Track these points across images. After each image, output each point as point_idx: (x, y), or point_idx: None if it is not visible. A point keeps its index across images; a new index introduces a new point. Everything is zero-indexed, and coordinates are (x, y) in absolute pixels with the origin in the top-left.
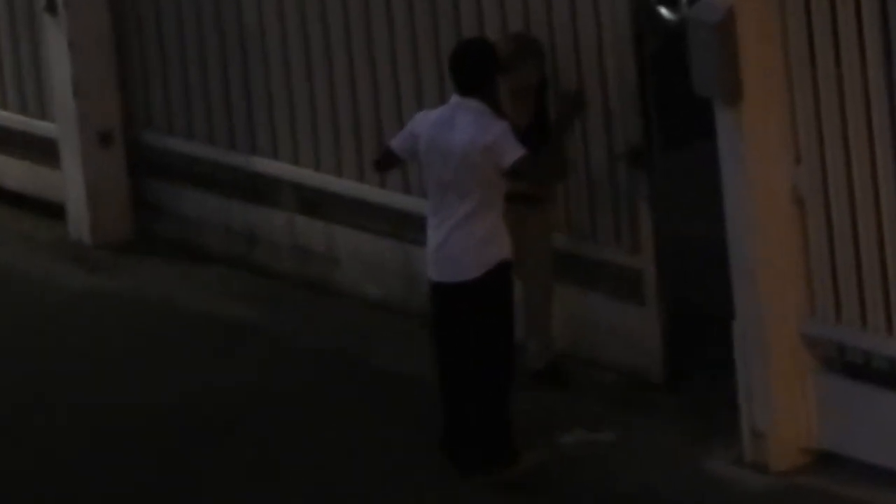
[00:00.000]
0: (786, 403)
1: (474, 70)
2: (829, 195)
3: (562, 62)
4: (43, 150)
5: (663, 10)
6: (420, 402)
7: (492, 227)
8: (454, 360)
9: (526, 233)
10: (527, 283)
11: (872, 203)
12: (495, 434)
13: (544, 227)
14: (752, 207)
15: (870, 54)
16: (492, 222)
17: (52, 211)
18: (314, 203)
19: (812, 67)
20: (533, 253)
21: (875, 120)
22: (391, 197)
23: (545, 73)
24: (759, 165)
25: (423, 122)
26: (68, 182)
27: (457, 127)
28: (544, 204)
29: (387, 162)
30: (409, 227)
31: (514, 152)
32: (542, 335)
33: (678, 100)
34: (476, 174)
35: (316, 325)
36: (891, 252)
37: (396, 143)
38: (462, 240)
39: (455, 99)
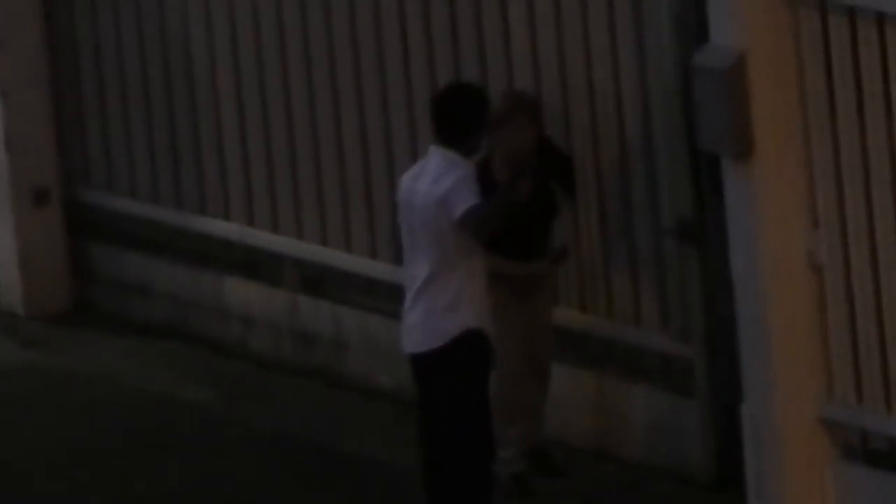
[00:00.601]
0: (801, 496)
1: (451, 117)
2: (850, 262)
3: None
4: None
5: None
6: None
7: (456, 292)
8: (428, 443)
9: (533, 303)
10: (530, 360)
11: None
12: None
13: (551, 301)
14: (764, 275)
15: (895, 105)
16: (456, 287)
17: None
18: (270, 268)
19: (832, 119)
20: (541, 326)
21: None
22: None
23: (545, 136)
24: (773, 228)
25: (405, 176)
26: None
27: (422, 178)
28: (545, 283)
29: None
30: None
31: (465, 202)
32: (538, 423)
33: None
34: (433, 230)
35: (280, 408)
36: None
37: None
38: (424, 305)
39: (431, 147)
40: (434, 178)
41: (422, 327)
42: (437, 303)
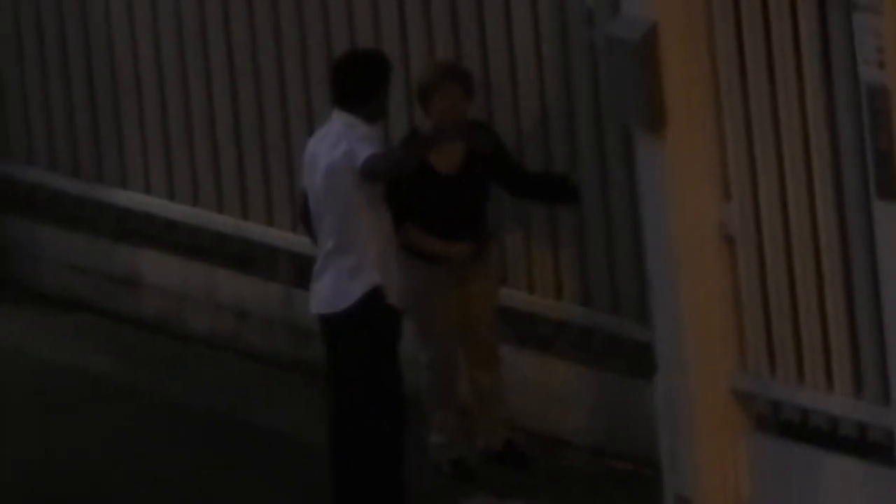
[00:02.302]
0: (714, 466)
1: (348, 82)
2: (763, 234)
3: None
4: None
5: None
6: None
7: (362, 254)
8: (335, 409)
9: (468, 291)
10: (470, 350)
11: (810, 243)
12: (381, 498)
13: (489, 283)
14: (677, 247)
15: (808, 75)
16: (362, 249)
17: None
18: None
19: (743, 90)
20: (482, 310)
21: (814, 150)
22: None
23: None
24: (684, 201)
25: (310, 141)
26: None
27: (323, 141)
28: (487, 257)
29: (305, 206)
30: None
31: (367, 152)
32: (496, 411)
33: None
34: (337, 193)
35: (190, 380)
36: (831, 299)
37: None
38: (332, 269)
39: (333, 112)
40: (334, 142)
41: (329, 289)
42: (345, 265)
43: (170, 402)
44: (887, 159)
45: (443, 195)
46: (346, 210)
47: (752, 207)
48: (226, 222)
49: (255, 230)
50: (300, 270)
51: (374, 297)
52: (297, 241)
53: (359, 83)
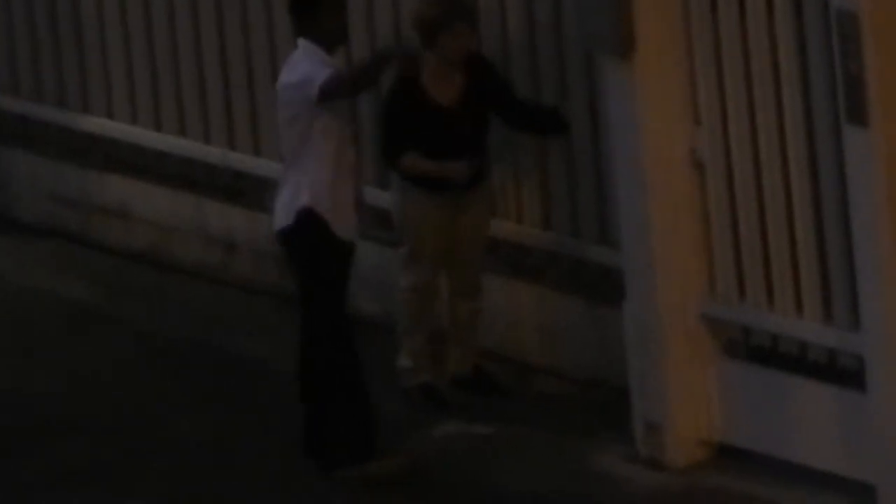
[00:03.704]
0: (683, 393)
1: (298, 8)
2: (732, 160)
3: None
4: None
5: None
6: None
7: (304, 178)
8: (300, 333)
9: (461, 222)
10: (455, 279)
11: (780, 170)
12: (345, 425)
13: (483, 215)
14: (646, 173)
15: (777, 1)
16: (305, 173)
17: None
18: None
19: (713, 16)
20: (469, 245)
21: (783, 76)
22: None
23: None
24: (654, 126)
25: None
26: None
27: (286, 67)
28: (482, 187)
29: None
30: None
31: (321, 76)
32: (470, 339)
33: None
34: (288, 115)
35: (172, 309)
36: (800, 224)
37: None
38: (283, 187)
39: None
40: (291, 66)
41: (279, 207)
42: (291, 185)
43: (149, 329)
44: (857, 84)
45: (442, 127)
46: (296, 131)
47: (721, 133)
48: (213, 153)
49: (243, 160)
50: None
51: (306, 219)
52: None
53: (315, 14)
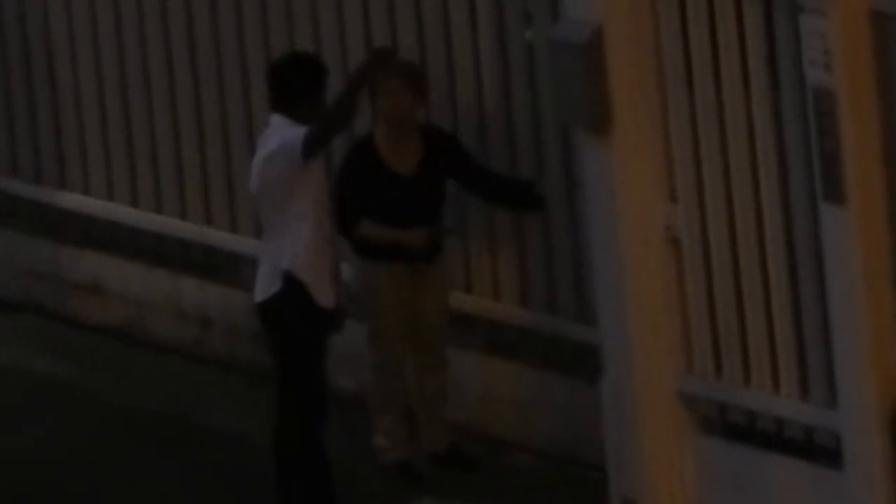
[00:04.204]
0: (660, 469)
1: (283, 86)
2: (709, 236)
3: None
4: None
5: None
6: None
7: (283, 247)
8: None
9: (421, 296)
10: (420, 354)
11: (756, 246)
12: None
13: (442, 288)
14: (622, 249)
15: (754, 77)
16: (286, 237)
17: None
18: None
19: (689, 92)
20: (430, 319)
21: (760, 153)
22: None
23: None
24: (630, 202)
25: None
26: None
27: (261, 143)
28: (439, 260)
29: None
30: None
31: (299, 136)
32: (440, 414)
33: None
34: (268, 182)
35: (147, 385)
36: (776, 301)
37: None
38: (262, 259)
39: (271, 116)
40: (265, 140)
41: (259, 280)
42: (270, 256)
43: (124, 406)
44: (833, 162)
45: (398, 195)
46: (276, 201)
47: (697, 209)
48: (189, 229)
49: (219, 237)
50: None
51: (290, 289)
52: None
53: (293, 87)
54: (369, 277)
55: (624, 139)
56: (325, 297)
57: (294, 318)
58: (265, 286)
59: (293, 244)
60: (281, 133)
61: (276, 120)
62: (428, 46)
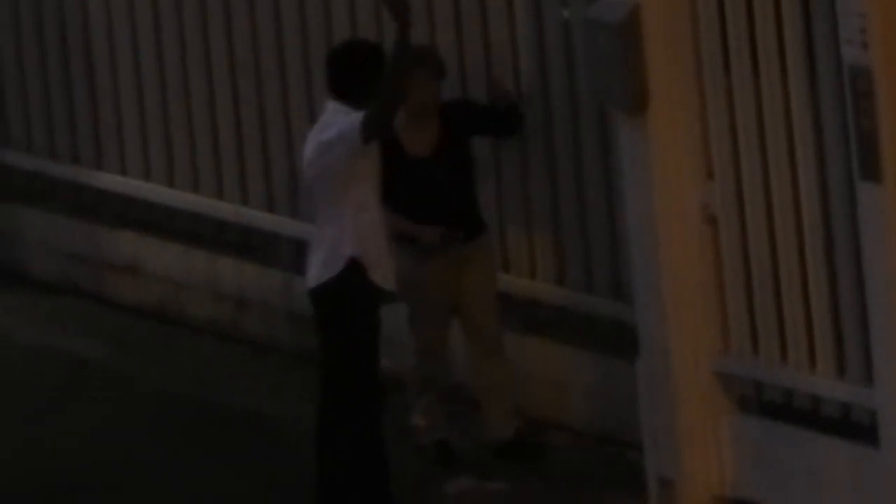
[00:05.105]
0: (697, 448)
1: (344, 74)
2: (745, 215)
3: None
4: None
5: None
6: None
7: (343, 227)
8: (320, 393)
9: (463, 278)
10: (472, 339)
11: (793, 224)
12: (358, 482)
13: (487, 268)
14: (659, 228)
15: (791, 56)
16: (348, 221)
17: None
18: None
19: (726, 73)
20: (476, 301)
21: (796, 131)
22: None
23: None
24: (667, 181)
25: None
26: None
27: (315, 129)
28: (482, 240)
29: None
30: None
31: (356, 123)
32: (503, 401)
33: None
34: (317, 174)
35: (184, 367)
36: (813, 279)
37: None
38: (316, 244)
39: (328, 102)
40: (322, 126)
41: (314, 265)
42: (326, 241)
43: (160, 387)
44: (870, 140)
45: (418, 178)
46: (333, 187)
47: (734, 188)
48: (225, 209)
49: (255, 216)
50: (300, 257)
51: (351, 270)
52: (297, 227)
53: (355, 76)
54: (402, 262)
55: (660, 118)
56: (384, 278)
57: (357, 301)
58: (320, 271)
59: (354, 230)
60: (339, 120)
61: (333, 106)
62: (464, 26)
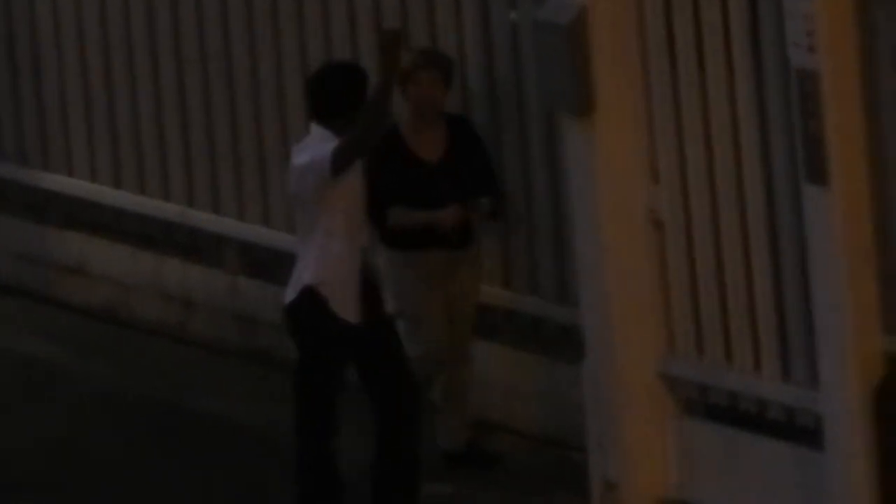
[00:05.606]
0: (642, 451)
1: (326, 96)
2: (691, 218)
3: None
4: None
5: None
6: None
7: (311, 252)
8: None
9: (455, 284)
10: (450, 343)
11: (738, 227)
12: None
13: (476, 277)
14: (605, 231)
15: (737, 58)
16: (313, 247)
17: None
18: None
19: (673, 75)
20: (462, 309)
21: (742, 134)
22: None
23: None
24: (613, 185)
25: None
26: None
27: (297, 152)
28: (472, 247)
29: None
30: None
31: (328, 151)
32: (462, 409)
33: None
34: (299, 196)
35: (125, 366)
36: (759, 283)
37: None
38: (296, 262)
39: (311, 125)
40: (301, 149)
41: (290, 282)
42: (299, 261)
43: (110, 387)
44: (817, 143)
45: (426, 184)
46: (305, 212)
47: (680, 191)
48: (172, 210)
49: (201, 218)
50: (246, 259)
51: (306, 298)
52: (242, 230)
53: (332, 99)
54: (400, 268)
55: (607, 121)
56: (349, 311)
57: (308, 330)
58: (288, 292)
59: (318, 258)
60: (313, 147)
61: (316, 131)
62: (412, 27)
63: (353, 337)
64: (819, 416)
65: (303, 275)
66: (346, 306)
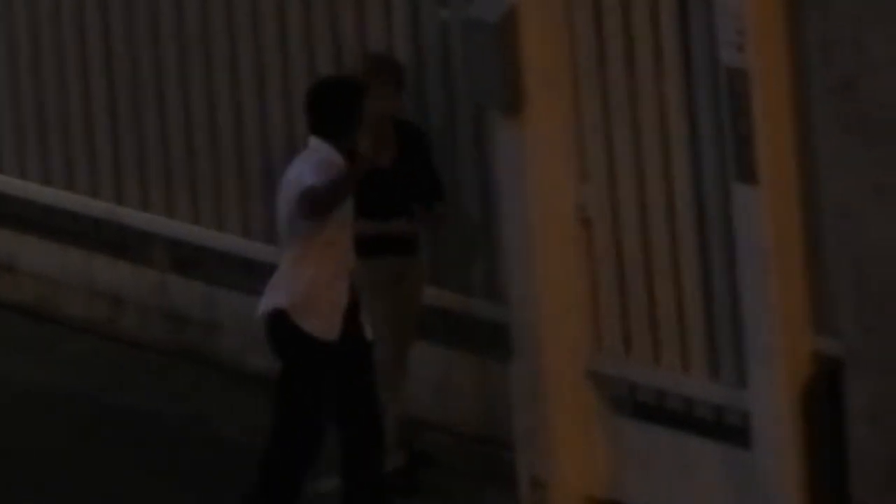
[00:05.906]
0: (569, 449)
1: (318, 110)
2: (620, 216)
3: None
4: None
5: None
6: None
7: (283, 274)
8: None
9: (404, 290)
10: (393, 343)
11: (667, 226)
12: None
13: (421, 282)
14: (534, 229)
15: (667, 57)
16: (285, 269)
17: None
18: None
19: (602, 73)
20: (408, 312)
21: (671, 132)
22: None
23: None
24: (542, 183)
25: None
26: None
27: (294, 165)
28: (419, 254)
29: None
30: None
31: (306, 183)
32: (400, 411)
33: None
34: (283, 212)
35: (52, 363)
36: (687, 282)
37: None
38: (276, 272)
39: (310, 139)
40: (299, 163)
41: (267, 288)
42: (277, 272)
43: (37, 384)
44: (746, 142)
45: (378, 189)
46: (288, 228)
47: (609, 190)
48: (101, 207)
49: (130, 215)
50: (175, 256)
51: (276, 317)
52: (171, 227)
53: (331, 113)
54: (360, 276)
55: (536, 119)
56: (324, 331)
57: (285, 345)
58: (265, 300)
59: (291, 282)
60: (306, 163)
61: (314, 143)
62: (341, 25)
63: (329, 353)
64: (747, 414)
65: (277, 293)
66: (321, 327)
